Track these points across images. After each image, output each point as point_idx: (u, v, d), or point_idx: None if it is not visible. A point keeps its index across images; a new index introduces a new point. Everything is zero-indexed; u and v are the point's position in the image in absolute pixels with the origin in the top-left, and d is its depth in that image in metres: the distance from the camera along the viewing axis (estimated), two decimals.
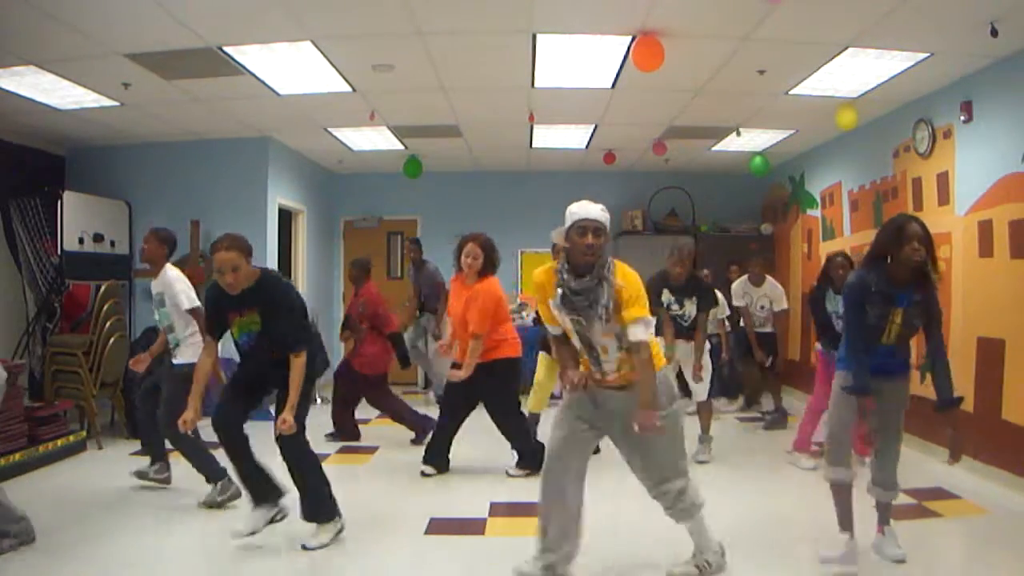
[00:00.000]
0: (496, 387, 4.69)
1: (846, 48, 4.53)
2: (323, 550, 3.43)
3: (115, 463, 5.09)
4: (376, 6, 4.01)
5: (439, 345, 5.23)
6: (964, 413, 4.63)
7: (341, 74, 5.12)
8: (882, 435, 3.22)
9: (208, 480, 4.09)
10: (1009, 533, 3.72)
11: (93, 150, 7.19)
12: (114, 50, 4.54)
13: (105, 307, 5.60)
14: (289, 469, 3.45)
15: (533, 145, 7.61)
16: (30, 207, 6.51)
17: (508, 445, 4.84)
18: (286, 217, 7.85)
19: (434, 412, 7.46)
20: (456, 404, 4.81)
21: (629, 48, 4.52)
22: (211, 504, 4.03)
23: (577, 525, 2.97)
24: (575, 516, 2.96)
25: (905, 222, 3.07)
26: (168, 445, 4.32)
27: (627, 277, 2.76)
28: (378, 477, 4.89)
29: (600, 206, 2.79)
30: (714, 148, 7.58)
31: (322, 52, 4.67)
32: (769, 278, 6.54)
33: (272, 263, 7.10)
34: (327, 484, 3.52)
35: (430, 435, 5.08)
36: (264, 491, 3.48)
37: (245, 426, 3.52)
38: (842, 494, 3.25)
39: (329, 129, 6.91)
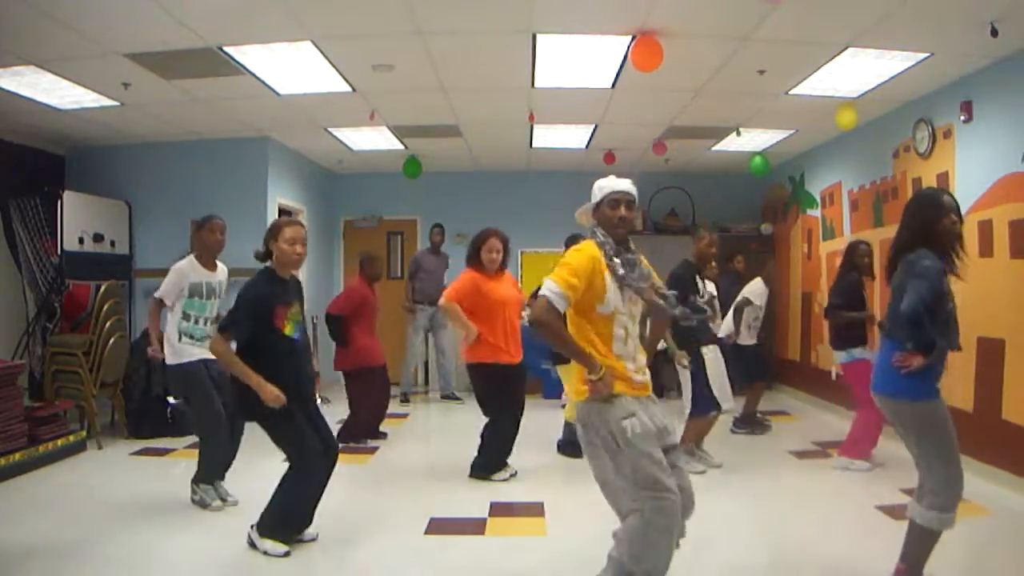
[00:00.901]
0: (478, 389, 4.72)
1: (846, 48, 4.53)
2: (323, 550, 3.43)
3: (115, 463, 5.10)
4: (376, 6, 4.01)
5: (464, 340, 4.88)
6: (964, 413, 4.65)
7: (341, 74, 5.12)
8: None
9: (196, 479, 4.10)
10: (1010, 533, 3.72)
11: (93, 150, 7.19)
12: (114, 50, 4.54)
13: (105, 307, 5.60)
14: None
15: (533, 145, 7.62)
16: (30, 207, 6.51)
17: (517, 446, 4.83)
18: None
19: (434, 412, 7.57)
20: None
21: (629, 48, 4.52)
22: (202, 504, 4.06)
23: None
24: None
25: (940, 194, 2.90)
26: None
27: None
28: (378, 477, 4.89)
29: (628, 180, 2.74)
30: (714, 148, 7.58)
31: (322, 52, 4.67)
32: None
33: None
34: (296, 509, 3.42)
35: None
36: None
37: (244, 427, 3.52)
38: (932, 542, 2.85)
39: (329, 129, 6.91)
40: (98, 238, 6.67)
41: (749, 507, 4.20)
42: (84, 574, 3.20)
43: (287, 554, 3.32)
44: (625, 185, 2.70)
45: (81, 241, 6.49)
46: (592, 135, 7.09)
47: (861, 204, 6.55)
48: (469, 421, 4.90)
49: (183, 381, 4.14)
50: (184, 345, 4.10)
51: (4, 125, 6.19)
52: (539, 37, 4.47)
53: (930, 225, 2.84)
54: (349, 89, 5.47)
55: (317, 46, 4.56)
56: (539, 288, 2.67)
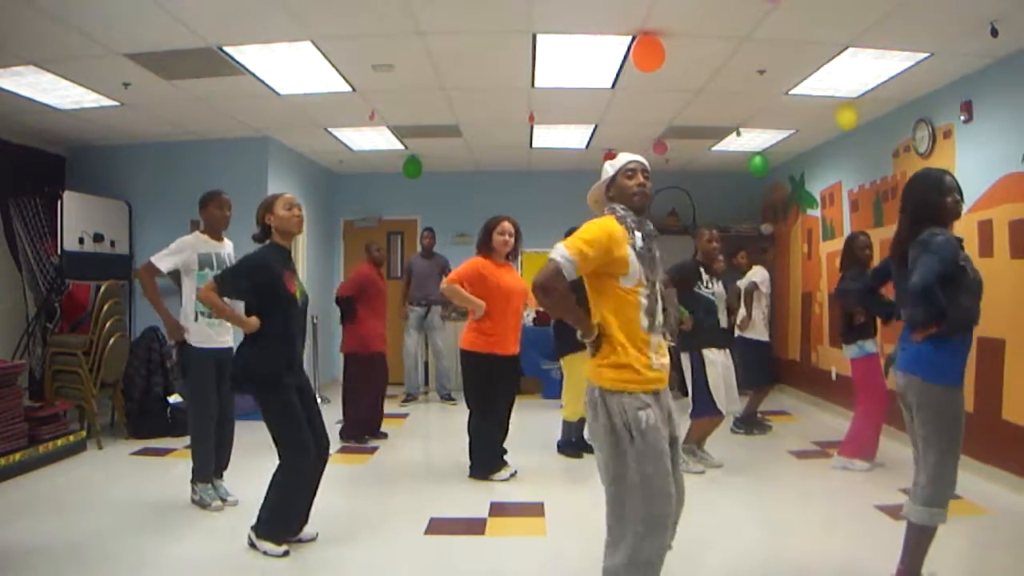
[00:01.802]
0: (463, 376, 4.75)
1: (846, 48, 4.53)
2: (323, 550, 3.43)
3: (115, 463, 5.09)
4: (376, 6, 4.01)
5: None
6: (964, 413, 4.64)
7: (341, 74, 5.12)
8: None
9: (193, 478, 4.10)
10: (1009, 533, 3.72)
11: (93, 150, 7.19)
12: (114, 50, 4.54)
13: (105, 307, 5.60)
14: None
15: (533, 145, 7.62)
16: (30, 207, 6.51)
17: (514, 443, 4.83)
18: None
19: (433, 412, 7.57)
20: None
21: (629, 48, 4.52)
22: (202, 504, 4.05)
23: None
24: None
25: (940, 173, 2.85)
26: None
27: None
28: (378, 477, 4.89)
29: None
30: (714, 148, 7.58)
31: (322, 52, 4.67)
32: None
33: None
34: (288, 509, 3.42)
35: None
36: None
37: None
38: (927, 540, 2.82)
39: (329, 129, 6.91)
40: (98, 238, 6.67)
41: (749, 507, 4.20)
42: (84, 574, 3.19)
43: (286, 554, 3.32)
44: (639, 156, 2.64)
45: (81, 241, 6.49)
46: (592, 135, 7.09)
47: (861, 204, 6.55)
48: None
49: (190, 365, 4.07)
50: (201, 327, 4.02)
51: (4, 125, 6.19)
52: (539, 37, 4.47)
53: (933, 205, 2.81)
54: (349, 89, 5.47)
55: (317, 46, 4.56)
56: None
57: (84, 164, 7.21)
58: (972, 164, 4.85)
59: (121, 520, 3.85)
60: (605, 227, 2.46)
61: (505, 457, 4.81)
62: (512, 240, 4.68)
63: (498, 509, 4.13)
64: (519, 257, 4.82)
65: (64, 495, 4.34)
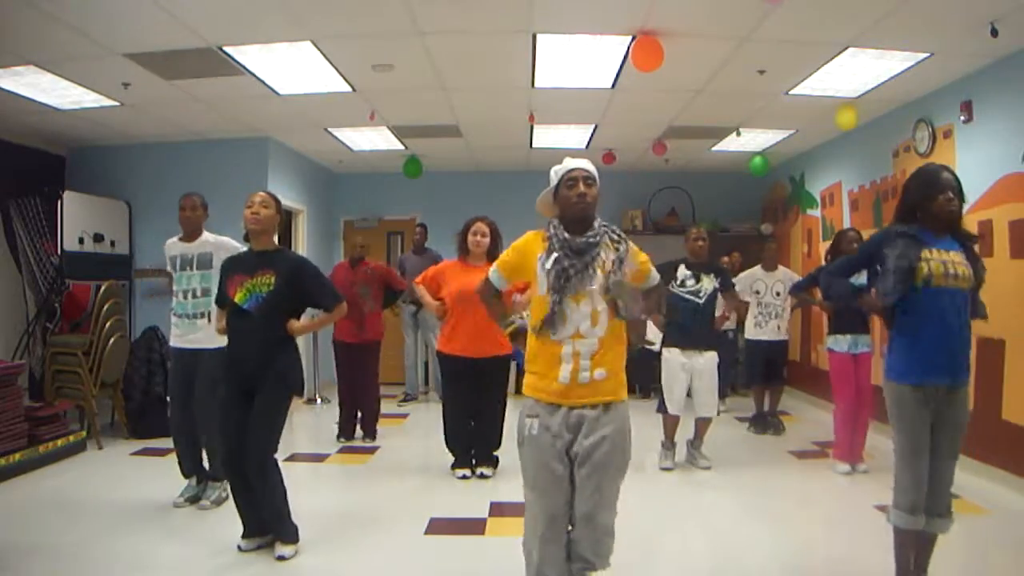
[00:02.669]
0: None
1: (846, 48, 4.53)
2: (323, 550, 3.43)
3: (115, 463, 5.09)
4: (376, 6, 4.01)
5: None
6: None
7: (341, 74, 5.12)
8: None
9: (199, 476, 4.13)
10: (1009, 533, 3.72)
11: (93, 150, 7.19)
12: (114, 50, 4.54)
13: (105, 307, 5.60)
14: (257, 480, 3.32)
15: (533, 145, 7.61)
16: (30, 207, 6.51)
17: (509, 444, 4.82)
18: (286, 217, 7.85)
19: (433, 412, 7.54)
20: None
21: (629, 48, 4.52)
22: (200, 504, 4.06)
23: None
24: None
25: (937, 170, 2.75)
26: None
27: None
28: (378, 477, 4.89)
29: (586, 159, 2.62)
30: (714, 148, 7.58)
31: (322, 52, 4.67)
32: (781, 266, 6.44)
33: None
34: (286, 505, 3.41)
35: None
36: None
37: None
38: (909, 544, 2.77)
39: (329, 129, 6.91)
40: (98, 238, 6.67)
41: (749, 507, 4.20)
42: (84, 574, 3.19)
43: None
44: (581, 163, 2.57)
45: (81, 241, 6.49)
46: (592, 135, 7.09)
47: (861, 204, 6.55)
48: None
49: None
50: (173, 325, 4.11)
51: (4, 125, 6.19)
52: (539, 37, 4.47)
53: (922, 204, 2.72)
54: (349, 89, 5.47)
55: (317, 46, 4.56)
56: None
57: (84, 164, 7.21)
58: (972, 164, 4.85)
59: (121, 520, 3.85)
60: (526, 239, 2.61)
61: (497, 454, 4.83)
62: (485, 240, 4.65)
63: (498, 509, 4.12)
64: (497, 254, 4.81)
65: (64, 495, 4.34)
